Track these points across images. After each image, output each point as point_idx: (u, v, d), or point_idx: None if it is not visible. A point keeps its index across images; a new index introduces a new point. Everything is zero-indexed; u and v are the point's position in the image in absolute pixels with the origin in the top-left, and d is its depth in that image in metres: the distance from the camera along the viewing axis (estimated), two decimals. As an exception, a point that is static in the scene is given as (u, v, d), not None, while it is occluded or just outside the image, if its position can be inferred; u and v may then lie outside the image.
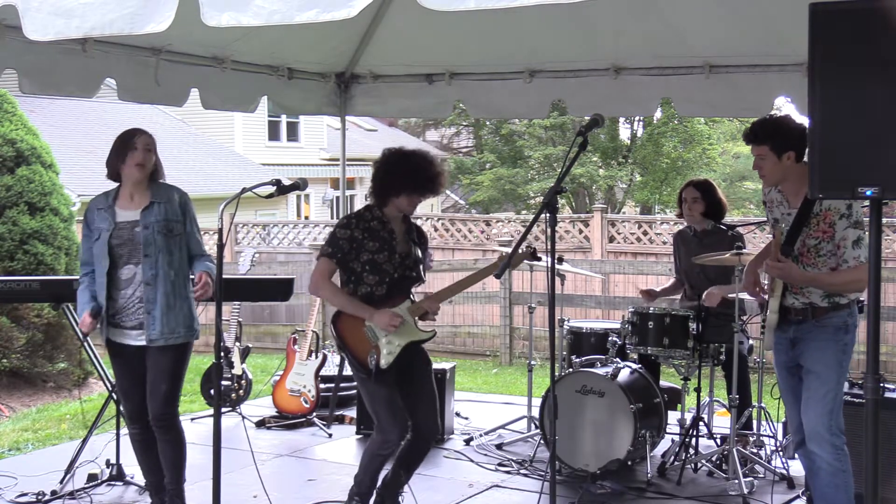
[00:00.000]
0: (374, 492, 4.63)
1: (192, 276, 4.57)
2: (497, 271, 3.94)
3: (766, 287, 4.35)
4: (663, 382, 6.10)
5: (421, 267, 4.63)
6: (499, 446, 6.20)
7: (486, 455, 6.04)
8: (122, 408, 4.66)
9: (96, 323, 4.47)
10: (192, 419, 6.85)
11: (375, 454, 4.53)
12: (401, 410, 4.45)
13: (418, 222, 5.01)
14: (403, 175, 4.49)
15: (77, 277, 4.66)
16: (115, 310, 4.49)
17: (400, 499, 4.77)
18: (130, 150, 4.45)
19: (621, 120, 24.29)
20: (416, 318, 4.54)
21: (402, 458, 4.60)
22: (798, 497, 5.10)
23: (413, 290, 4.61)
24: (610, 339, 5.88)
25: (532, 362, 6.56)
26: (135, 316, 4.47)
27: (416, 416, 4.51)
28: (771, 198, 4.30)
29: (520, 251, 4.49)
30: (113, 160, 4.49)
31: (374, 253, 4.46)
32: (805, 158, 4.01)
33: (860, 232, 3.98)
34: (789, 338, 4.20)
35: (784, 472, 5.43)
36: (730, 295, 5.47)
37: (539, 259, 4.66)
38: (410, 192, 4.49)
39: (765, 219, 4.71)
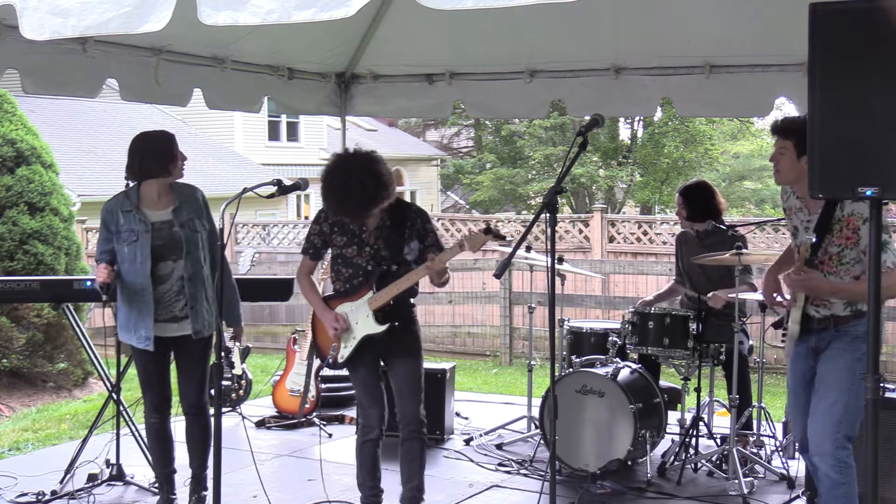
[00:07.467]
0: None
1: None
2: (496, 271, 3.93)
3: (787, 296, 4.16)
4: (663, 382, 6.10)
5: (407, 258, 4.49)
6: (499, 446, 6.19)
7: (486, 455, 6.03)
8: (144, 398, 4.77)
9: (112, 272, 4.51)
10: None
11: (363, 442, 4.59)
12: (380, 394, 4.54)
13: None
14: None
15: (78, 278, 4.68)
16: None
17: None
18: (180, 159, 4.60)
19: (621, 120, 24.28)
20: (374, 311, 4.45)
21: (401, 458, 4.62)
22: (798, 497, 5.09)
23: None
24: (610, 339, 5.87)
25: (532, 362, 6.56)
26: (169, 309, 4.63)
27: (398, 404, 4.57)
28: (790, 205, 4.12)
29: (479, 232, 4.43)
30: (152, 163, 4.53)
31: (342, 248, 4.51)
32: None
33: (885, 236, 3.74)
34: (810, 347, 4.02)
35: (784, 472, 5.42)
36: (730, 296, 5.47)
37: (503, 238, 4.62)
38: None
39: (765, 219, 4.69)
